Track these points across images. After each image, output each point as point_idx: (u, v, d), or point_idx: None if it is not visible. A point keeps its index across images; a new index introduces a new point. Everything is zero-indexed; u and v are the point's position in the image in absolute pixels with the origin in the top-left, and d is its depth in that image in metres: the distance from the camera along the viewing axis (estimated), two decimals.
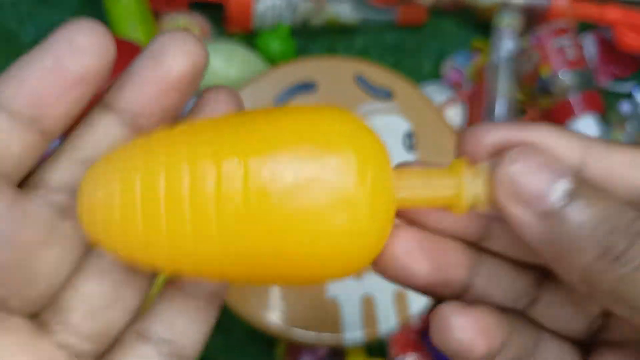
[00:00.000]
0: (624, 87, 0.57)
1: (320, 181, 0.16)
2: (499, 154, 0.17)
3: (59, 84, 0.17)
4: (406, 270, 0.19)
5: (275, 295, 0.44)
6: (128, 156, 0.17)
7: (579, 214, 0.16)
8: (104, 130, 0.19)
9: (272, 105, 0.47)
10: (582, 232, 0.16)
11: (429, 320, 0.18)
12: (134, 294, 0.20)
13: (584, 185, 0.17)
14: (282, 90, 0.48)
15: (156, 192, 0.16)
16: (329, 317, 0.44)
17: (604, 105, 0.54)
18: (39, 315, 0.19)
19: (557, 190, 0.16)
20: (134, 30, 0.53)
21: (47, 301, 0.19)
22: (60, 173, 0.18)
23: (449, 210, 0.18)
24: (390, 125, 0.48)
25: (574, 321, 0.20)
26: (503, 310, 0.19)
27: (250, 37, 0.57)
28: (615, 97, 0.57)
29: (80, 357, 0.19)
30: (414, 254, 0.19)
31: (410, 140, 0.48)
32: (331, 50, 0.59)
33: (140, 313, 0.20)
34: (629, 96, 0.57)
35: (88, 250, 0.19)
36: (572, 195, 0.16)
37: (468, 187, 0.17)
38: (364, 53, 0.59)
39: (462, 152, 0.18)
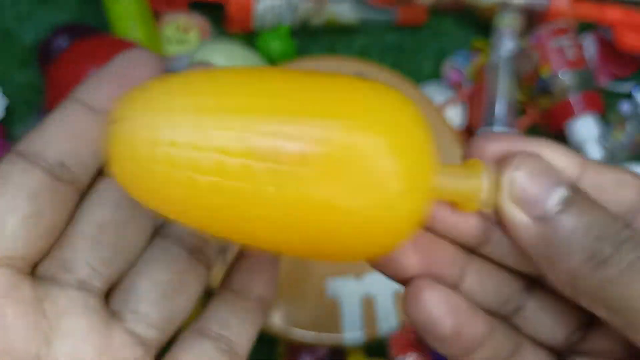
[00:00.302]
0: (624, 87, 0.58)
1: (362, 161, 0.16)
2: (504, 160, 0.19)
3: (126, 88, 0.18)
4: (396, 263, 0.19)
5: (275, 296, 0.44)
6: (172, 100, 0.16)
7: (572, 220, 0.18)
8: None
9: None
10: (573, 237, 0.17)
11: (405, 291, 0.19)
12: (197, 282, 0.21)
13: (578, 195, 0.18)
14: None
15: (181, 141, 0.16)
16: (329, 317, 0.44)
17: (604, 105, 0.54)
18: (110, 299, 0.20)
19: (554, 197, 0.18)
20: (134, 30, 0.53)
21: (120, 280, 0.20)
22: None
23: (458, 208, 0.19)
24: None
25: (555, 330, 0.21)
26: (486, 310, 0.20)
27: (250, 37, 0.57)
28: (615, 97, 0.57)
29: (146, 344, 0.20)
30: (405, 248, 0.19)
31: None
32: (331, 50, 0.59)
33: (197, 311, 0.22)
34: (628, 96, 0.57)
35: (151, 237, 0.21)
36: (567, 203, 0.18)
37: (485, 187, 0.18)
38: (364, 53, 0.59)
39: (469, 158, 0.19)
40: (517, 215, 0.18)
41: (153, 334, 0.20)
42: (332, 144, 0.16)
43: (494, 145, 0.19)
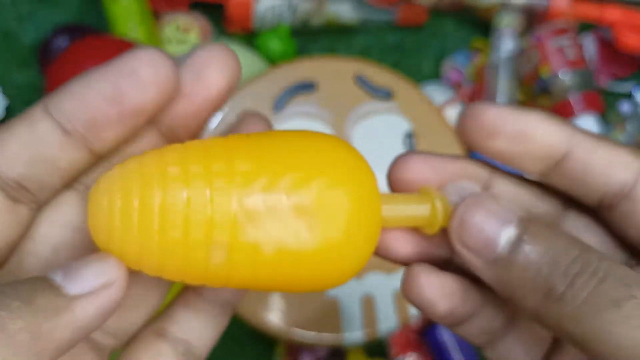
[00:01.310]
0: (624, 87, 0.58)
1: (316, 206, 0.17)
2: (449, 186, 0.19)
3: (116, 113, 0.17)
4: (388, 249, 0.21)
5: (275, 296, 0.44)
6: (132, 168, 0.17)
7: (524, 259, 0.17)
8: (145, 143, 0.19)
9: (272, 106, 0.47)
10: (527, 276, 0.17)
11: (403, 275, 0.20)
12: (157, 295, 0.21)
13: (530, 229, 0.18)
14: (282, 90, 0.48)
15: (151, 205, 0.17)
16: (329, 317, 0.44)
17: (604, 105, 0.54)
18: None
19: (503, 238, 0.18)
20: (134, 30, 0.53)
21: None
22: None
23: (422, 232, 0.20)
24: (390, 125, 0.48)
25: (531, 353, 0.21)
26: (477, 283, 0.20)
27: (250, 37, 0.57)
28: (615, 97, 0.57)
29: (101, 349, 0.20)
30: (397, 234, 0.21)
31: (410, 140, 0.48)
32: (331, 50, 0.59)
33: (158, 312, 0.22)
34: (629, 96, 0.57)
35: None
36: (517, 242, 0.17)
37: (438, 212, 0.19)
38: (364, 53, 0.59)
39: (462, 130, 0.19)
40: (471, 260, 0.18)
41: (109, 341, 0.20)
42: (287, 198, 0.17)
43: (484, 117, 0.19)
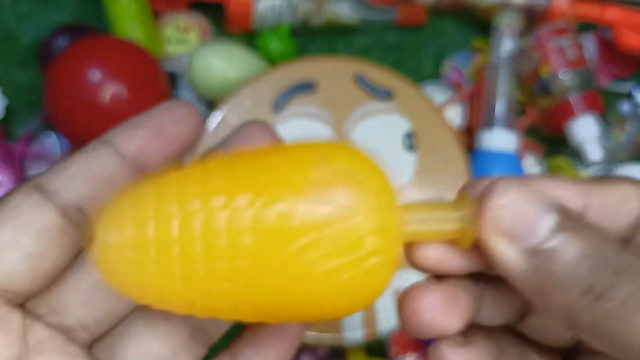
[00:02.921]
0: (624, 87, 0.58)
1: (329, 222, 0.16)
2: (486, 190, 0.17)
3: (160, 142, 0.21)
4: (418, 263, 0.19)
5: None
6: (141, 197, 0.17)
7: (566, 250, 0.16)
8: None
9: (272, 106, 0.47)
10: (567, 270, 0.16)
11: (399, 300, 0.19)
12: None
13: (570, 219, 0.16)
14: (282, 90, 0.48)
15: (169, 234, 0.16)
16: None
17: (604, 105, 0.54)
18: (95, 347, 0.20)
19: (545, 225, 0.16)
20: (134, 30, 0.53)
21: (110, 333, 0.20)
22: None
23: (454, 245, 0.18)
24: (390, 125, 0.48)
25: (561, 332, 0.20)
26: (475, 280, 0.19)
27: (250, 37, 0.57)
28: (615, 97, 0.57)
29: (78, 342, 0.20)
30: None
31: (410, 140, 0.48)
32: (331, 50, 0.59)
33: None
34: (629, 96, 0.57)
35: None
36: (559, 230, 0.16)
37: (465, 221, 0.17)
38: (364, 53, 0.59)
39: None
40: (504, 250, 0.17)
41: (84, 335, 0.20)
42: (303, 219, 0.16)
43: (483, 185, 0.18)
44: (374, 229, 0.16)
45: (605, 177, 0.18)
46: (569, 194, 0.17)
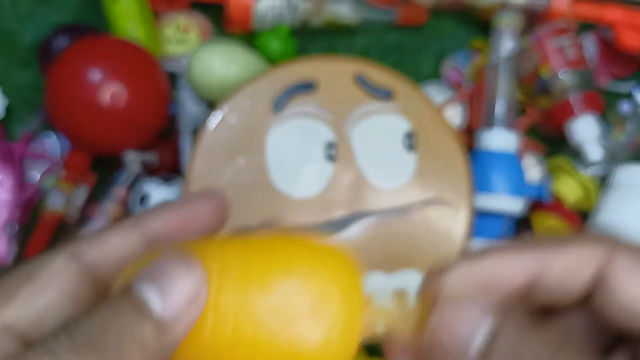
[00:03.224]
0: (624, 87, 0.58)
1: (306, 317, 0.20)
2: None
3: (183, 230, 0.22)
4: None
5: None
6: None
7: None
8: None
9: (272, 106, 0.47)
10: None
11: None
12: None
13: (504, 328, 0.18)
14: (282, 90, 0.48)
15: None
16: None
17: (604, 105, 0.54)
18: None
19: (477, 341, 0.18)
20: (134, 30, 0.53)
21: None
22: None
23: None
24: (390, 125, 0.48)
25: None
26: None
27: (250, 37, 0.57)
28: (615, 97, 0.57)
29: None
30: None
31: (410, 140, 0.48)
32: (331, 50, 0.59)
33: None
34: (629, 96, 0.57)
35: None
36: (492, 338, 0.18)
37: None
38: (364, 53, 0.59)
39: (426, 291, 0.21)
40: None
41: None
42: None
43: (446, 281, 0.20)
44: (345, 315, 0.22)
45: (565, 238, 0.20)
46: (520, 266, 0.19)
